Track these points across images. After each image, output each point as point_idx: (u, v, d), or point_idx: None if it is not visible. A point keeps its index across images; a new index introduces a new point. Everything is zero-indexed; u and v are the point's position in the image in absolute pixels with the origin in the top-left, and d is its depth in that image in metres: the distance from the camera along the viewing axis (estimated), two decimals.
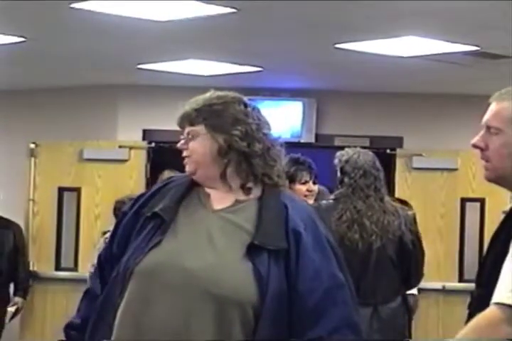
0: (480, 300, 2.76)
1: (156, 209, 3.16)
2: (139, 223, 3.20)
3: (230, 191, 3.19)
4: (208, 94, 3.26)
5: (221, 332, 3.00)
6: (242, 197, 3.20)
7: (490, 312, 2.59)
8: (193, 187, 3.23)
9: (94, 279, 3.34)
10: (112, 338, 3.07)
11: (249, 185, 3.19)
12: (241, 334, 2.99)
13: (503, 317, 2.56)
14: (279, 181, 3.22)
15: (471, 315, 2.75)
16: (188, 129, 3.21)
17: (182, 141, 3.21)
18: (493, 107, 2.84)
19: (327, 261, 3.13)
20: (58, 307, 9.13)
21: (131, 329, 3.05)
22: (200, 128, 3.20)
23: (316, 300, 3.04)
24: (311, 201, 5.28)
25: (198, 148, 3.20)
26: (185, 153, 3.21)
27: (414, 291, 8.15)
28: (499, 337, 2.56)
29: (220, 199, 3.19)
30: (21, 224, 9.77)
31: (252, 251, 3.05)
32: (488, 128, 2.83)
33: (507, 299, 2.56)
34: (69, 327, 3.33)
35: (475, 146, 2.86)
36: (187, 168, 3.21)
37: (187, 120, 3.22)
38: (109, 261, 3.27)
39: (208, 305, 3.00)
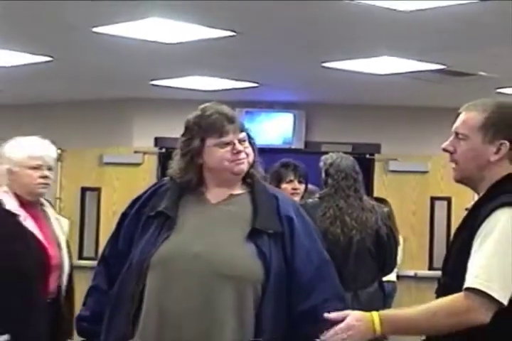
0: (446, 286, 2.76)
1: (160, 209, 3.14)
2: (141, 222, 3.17)
3: (226, 187, 3.21)
4: (224, 107, 3.21)
5: (239, 308, 3.02)
6: (235, 191, 3.20)
7: (463, 299, 2.59)
8: (184, 189, 3.20)
9: (100, 276, 3.30)
10: (139, 326, 3.05)
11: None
12: (252, 309, 3.02)
13: (473, 304, 2.57)
14: (258, 178, 3.25)
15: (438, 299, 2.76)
16: (241, 135, 3.14)
17: (240, 145, 3.14)
18: (462, 117, 2.84)
19: (315, 242, 3.19)
20: (81, 291, 9.13)
21: (157, 311, 3.03)
22: (245, 135, 3.19)
23: (309, 276, 3.08)
24: (296, 198, 5.27)
25: (251, 152, 3.19)
26: (243, 155, 3.14)
27: (393, 278, 8.19)
28: (468, 322, 2.57)
29: (215, 194, 3.18)
30: None
31: (254, 235, 3.07)
32: (457, 134, 2.83)
33: (473, 283, 2.57)
34: (80, 320, 3.30)
35: (445, 150, 2.86)
36: (244, 167, 3.16)
37: (239, 127, 3.17)
38: (114, 258, 3.23)
39: (227, 285, 3.01)
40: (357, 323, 2.67)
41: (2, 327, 3.91)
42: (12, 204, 3.98)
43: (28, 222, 3.98)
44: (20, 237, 3.94)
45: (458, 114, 2.88)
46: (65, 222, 4.36)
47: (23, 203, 4.02)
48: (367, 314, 2.69)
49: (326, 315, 2.73)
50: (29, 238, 3.95)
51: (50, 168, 4.12)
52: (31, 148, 4.10)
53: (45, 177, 4.07)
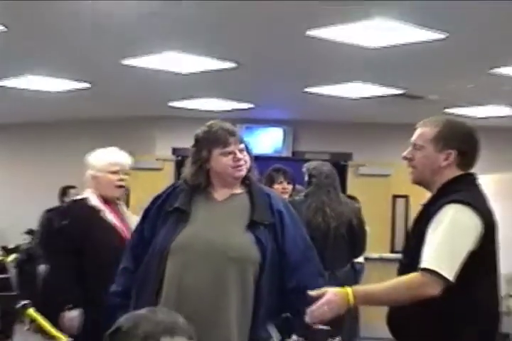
0: (405, 266, 2.77)
1: (177, 205, 3.13)
2: (161, 216, 3.16)
3: (228, 188, 3.21)
4: (226, 123, 3.20)
5: (242, 283, 3.03)
6: (235, 191, 3.20)
7: (419, 276, 2.60)
8: (195, 189, 3.19)
9: (128, 259, 3.25)
10: (162, 298, 3.03)
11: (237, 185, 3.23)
12: (252, 283, 3.03)
13: (427, 280, 2.57)
14: (254, 180, 3.25)
15: (399, 276, 2.76)
16: (241, 146, 3.14)
17: (240, 154, 3.13)
18: (418, 131, 2.85)
19: (300, 230, 3.21)
20: None
21: (175, 287, 3.04)
22: (244, 146, 3.18)
23: (296, 258, 3.10)
24: (286, 196, 5.27)
25: (249, 159, 3.18)
26: (242, 162, 3.14)
27: (361, 260, 8.16)
28: (423, 295, 2.57)
29: (220, 193, 3.19)
30: None
31: (252, 225, 3.08)
32: (414, 145, 2.83)
33: (427, 264, 2.58)
34: (113, 295, 3.24)
35: (405, 158, 2.87)
36: (243, 172, 3.15)
37: (239, 139, 3.16)
38: (140, 244, 3.20)
39: (232, 265, 3.02)
40: (334, 298, 2.67)
41: (85, 310, 3.83)
42: (96, 202, 4.00)
43: (110, 217, 4.00)
44: (102, 229, 3.94)
45: (414, 129, 2.89)
46: (136, 218, 4.34)
47: (105, 201, 4.04)
48: (342, 289, 2.68)
49: (308, 292, 2.73)
50: (110, 229, 3.96)
51: (126, 173, 4.13)
52: (111, 156, 4.13)
53: (122, 180, 4.09)
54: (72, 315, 3.82)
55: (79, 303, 3.83)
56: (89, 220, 3.94)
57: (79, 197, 4.15)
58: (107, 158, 4.11)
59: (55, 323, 3.88)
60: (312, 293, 2.70)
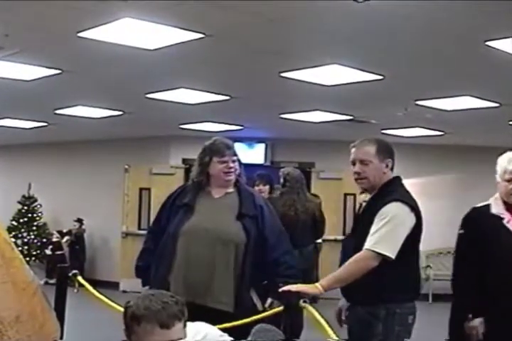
0: (355, 246, 2.74)
1: (185, 201, 3.14)
2: (173, 209, 3.17)
3: (223, 188, 3.18)
4: (226, 140, 3.18)
5: (229, 258, 3.03)
6: (228, 190, 3.18)
7: (362, 253, 2.59)
8: (199, 189, 3.18)
9: (149, 241, 3.25)
10: (175, 266, 3.03)
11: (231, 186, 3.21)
12: (241, 259, 3.01)
13: (368, 255, 2.58)
14: (242, 182, 3.23)
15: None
16: (234, 157, 3.12)
17: (232, 163, 3.10)
18: (361, 150, 2.78)
19: (275, 220, 3.20)
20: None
21: (184, 260, 3.04)
22: (236, 157, 3.16)
23: (273, 240, 3.09)
24: (264, 194, 5.26)
25: (238, 167, 3.16)
26: (233, 170, 3.11)
27: (320, 241, 8.12)
28: (366, 266, 2.56)
29: (217, 192, 3.18)
30: (120, 207, 9.69)
31: (240, 216, 3.08)
32: (362, 161, 2.77)
33: (370, 246, 2.58)
34: (138, 269, 3.24)
35: (356, 172, 2.78)
36: (232, 178, 3.13)
37: (233, 152, 3.14)
38: (158, 230, 3.20)
39: (223, 246, 3.02)
40: (304, 286, 2.59)
41: None
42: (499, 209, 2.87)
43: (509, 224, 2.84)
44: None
45: (354, 146, 2.82)
46: None
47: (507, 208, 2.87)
48: (310, 284, 2.59)
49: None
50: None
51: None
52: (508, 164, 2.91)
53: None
54: None
55: None
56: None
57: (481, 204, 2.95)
58: (505, 165, 2.88)
59: None
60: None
